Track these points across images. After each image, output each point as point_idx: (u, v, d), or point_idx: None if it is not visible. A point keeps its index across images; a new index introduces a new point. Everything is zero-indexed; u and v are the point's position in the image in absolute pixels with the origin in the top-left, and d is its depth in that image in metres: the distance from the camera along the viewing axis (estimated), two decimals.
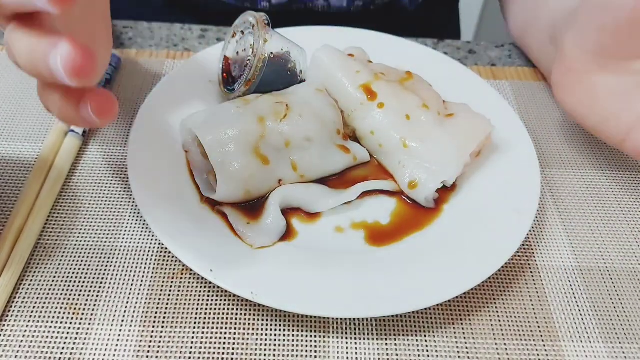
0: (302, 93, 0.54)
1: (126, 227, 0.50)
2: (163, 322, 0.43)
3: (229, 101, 0.53)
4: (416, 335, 0.44)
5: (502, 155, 0.54)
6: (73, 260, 0.47)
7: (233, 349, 0.42)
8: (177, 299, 0.45)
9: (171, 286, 0.46)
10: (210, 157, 0.48)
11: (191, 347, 0.42)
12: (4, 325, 0.43)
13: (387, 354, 0.43)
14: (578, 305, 0.47)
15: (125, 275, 0.46)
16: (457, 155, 0.51)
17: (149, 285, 0.46)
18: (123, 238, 0.49)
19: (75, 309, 0.44)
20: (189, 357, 0.42)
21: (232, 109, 0.50)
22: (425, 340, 0.44)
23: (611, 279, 0.49)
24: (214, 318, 0.44)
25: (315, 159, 0.51)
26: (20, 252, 0.46)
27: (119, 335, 0.42)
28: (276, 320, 0.44)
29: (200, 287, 0.46)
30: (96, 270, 0.46)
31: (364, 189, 0.52)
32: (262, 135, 0.49)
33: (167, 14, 0.78)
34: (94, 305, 0.44)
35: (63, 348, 0.42)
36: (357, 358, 0.42)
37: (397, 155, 0.53)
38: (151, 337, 0.43)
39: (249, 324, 0.44)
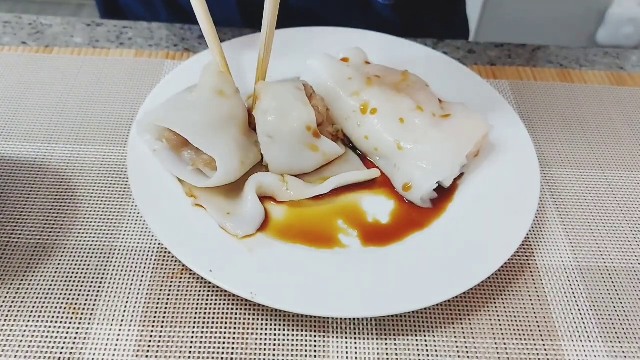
0: (277, 90, 0.53)
1: (126, 227, 0.50)
2: (163, 322, 0.43)
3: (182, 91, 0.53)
4: (416, 335, 0.44)
5: (502, 155, 0.54)
6: (72, 260, 0.47)
7: (232, 348, 0.42)
8: (176, 299, 0.45)
9: (170, 286, 0.46)
10: (193, 141, 0.48)
11: (191, 347, 0.42)
12: (4, 325, 0.43)
13: (387, 354, 0.43)
14: (578, 305, 0.47)
15: (125, 275, 0.46)
16: (453, 155, 0.51)
17: (149, 285, 0.46)
18: (122, 238, 0.49)
19: (74, 308, 0.44)
20: (189, 357, 0.42)
21: (188, 97, 0.51)
22: (425, 340, 0.44)
23: (611, 278, 0.49)
24: (213, 318, 0.44)
25: (280, 157, 0.51)
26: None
27: (119, 335, 0.42)
28: (276, 320, 0.44)
29: (200, 287, 0.46)
30: (95, 270, 0.46)
31: (337, 183, 0.52)
32: (232, 117, 0.50)
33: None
34: (94, 305, 0.44)
35: (63, 348, 0.42)
36: (357, 358, 0.42)
37: (393, 158, 0.53)
38: (151, 336, 0.43)
39: (248, 323, 0.44)
